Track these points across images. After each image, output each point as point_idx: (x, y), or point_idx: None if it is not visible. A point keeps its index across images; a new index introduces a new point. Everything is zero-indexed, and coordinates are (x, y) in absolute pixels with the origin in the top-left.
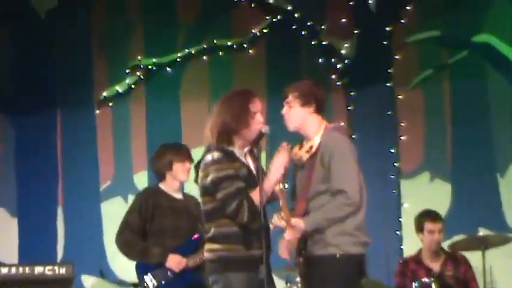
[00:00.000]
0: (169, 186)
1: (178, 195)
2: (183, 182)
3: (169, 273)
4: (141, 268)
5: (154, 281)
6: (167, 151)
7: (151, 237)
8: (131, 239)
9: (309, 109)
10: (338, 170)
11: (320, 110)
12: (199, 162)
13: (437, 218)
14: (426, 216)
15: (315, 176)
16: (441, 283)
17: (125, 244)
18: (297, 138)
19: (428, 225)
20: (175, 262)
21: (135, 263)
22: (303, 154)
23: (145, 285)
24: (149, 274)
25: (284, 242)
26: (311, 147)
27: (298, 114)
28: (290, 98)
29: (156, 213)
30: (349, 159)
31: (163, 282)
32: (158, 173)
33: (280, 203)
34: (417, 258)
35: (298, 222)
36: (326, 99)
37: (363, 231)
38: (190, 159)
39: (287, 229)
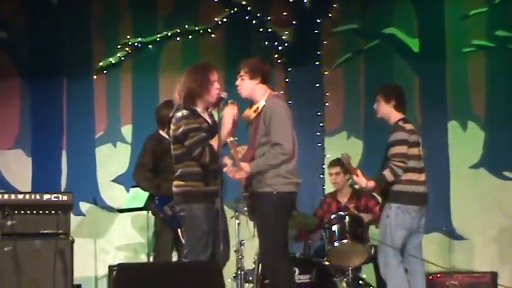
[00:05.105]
0: (166, 134)
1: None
2: None
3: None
4: (160, 201)
5: (169, 211)
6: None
7: (161, 174)
8: (148, 176)
9: (256, 80)
10: (276, 127)
11: (265, 81)
12: (170, 118)
13: (334, 164)
14: (329, 163)
15: (259, 131)
16: (349, 213)
17: (144, 180)
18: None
19: (329, 170)
20: None
21: (150, 197)
22: (251, 113)
23: (165, 213)
24: (167, 206)
25: (234, 170)
26: (258, 108)
27: (247, 85)
28: (242, 72)
29: (165, 155)
30: (285, 119)
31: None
32: (161, 121)
33: (232, 151)
34: (332, 195)
35: (245, 166)
36: (270, 73)
37: (295, 174)
38: None
39: (236, 171)
